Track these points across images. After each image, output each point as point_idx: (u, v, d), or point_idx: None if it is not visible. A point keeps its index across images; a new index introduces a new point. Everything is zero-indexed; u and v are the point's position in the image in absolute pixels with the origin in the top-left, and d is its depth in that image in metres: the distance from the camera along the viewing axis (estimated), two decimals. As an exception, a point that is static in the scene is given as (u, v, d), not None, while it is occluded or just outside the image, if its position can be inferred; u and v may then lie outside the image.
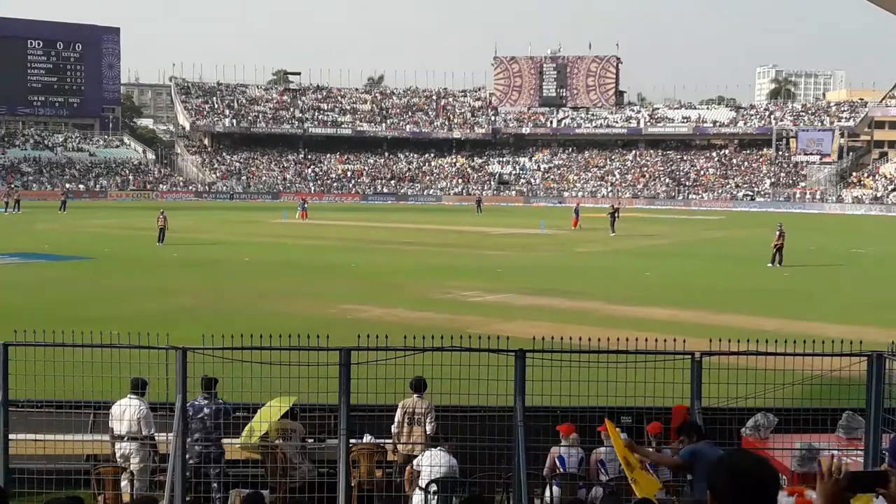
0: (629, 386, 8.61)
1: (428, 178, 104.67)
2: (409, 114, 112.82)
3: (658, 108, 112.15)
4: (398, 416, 10.26)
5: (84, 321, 16.15)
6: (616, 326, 18.50)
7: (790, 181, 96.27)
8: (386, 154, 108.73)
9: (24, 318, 18.02)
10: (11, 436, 8.61)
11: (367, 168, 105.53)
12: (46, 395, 10.00)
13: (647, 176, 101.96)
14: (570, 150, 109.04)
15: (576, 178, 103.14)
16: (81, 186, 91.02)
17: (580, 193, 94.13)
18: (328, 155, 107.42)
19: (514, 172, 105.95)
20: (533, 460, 8.60)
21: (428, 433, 10.07)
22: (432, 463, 9.11)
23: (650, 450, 8.42)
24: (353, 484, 8.95)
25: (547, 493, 9.15)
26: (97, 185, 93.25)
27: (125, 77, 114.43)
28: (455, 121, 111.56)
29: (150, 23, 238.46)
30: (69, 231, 47.90)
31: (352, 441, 8.78)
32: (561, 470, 9.24)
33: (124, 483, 9.23)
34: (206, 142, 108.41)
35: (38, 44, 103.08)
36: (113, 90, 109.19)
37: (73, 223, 53.61)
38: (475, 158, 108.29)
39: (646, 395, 8.79)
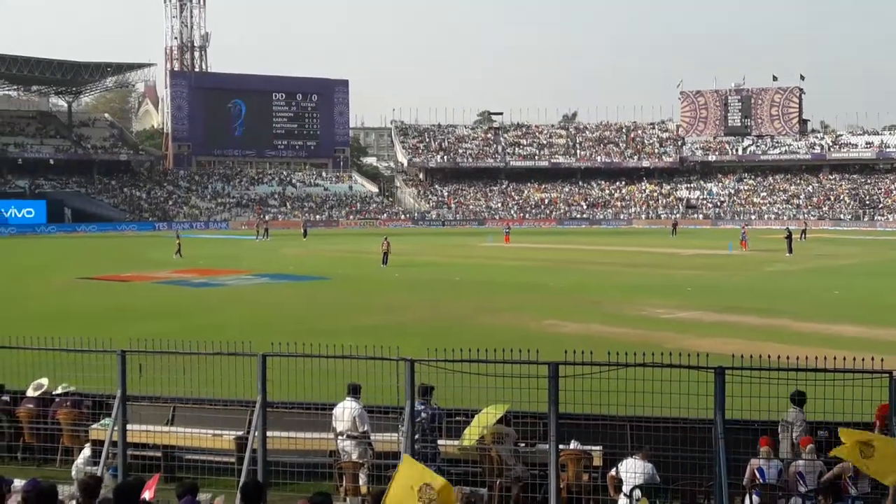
0: (827, 403, 8.09)
1: (619, 203, 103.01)
2: (601, 146, 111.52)
3: (842, 135, 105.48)
4: None
5: (323, 333, 16.93)
6: (807, 344, 17.47)
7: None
8: (580, 183, 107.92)
9: (276, 330, 19.15)
10: (269, 433, 8.98)
11: (562, 196, 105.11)
12: (297, 398, 10.49)
13: (833, 198, 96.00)
14: (756, 175, 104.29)
15: (761, 201, 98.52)
16: (318, 217, 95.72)
17: (766, 216, 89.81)
18: (527, 185, 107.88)
19: (701, 197, 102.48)
20: (733, 471, 8.21)
21: None
22: (627, 469, 8.85)
23: None
24: (561, 486, 8.83)
25: (747, 501, 8.71)
26: (330, 216, 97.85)
27: (353, 122, 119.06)
28: (644, 151, 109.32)
29: (374, 74, 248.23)
30: (309, 255, 50.10)
31: (560, 446, 8.66)
32: (760, 480, 8.76)
33: (363, 477, 9.50)
34: (421, 176, 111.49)
35: (282, 96, 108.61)
36: (343, 134, 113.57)
37: (313, 248, 56.22)
38: (664, 185, 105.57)
39: (843, 412, 8.25)
